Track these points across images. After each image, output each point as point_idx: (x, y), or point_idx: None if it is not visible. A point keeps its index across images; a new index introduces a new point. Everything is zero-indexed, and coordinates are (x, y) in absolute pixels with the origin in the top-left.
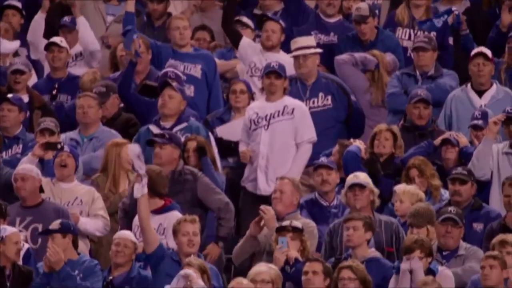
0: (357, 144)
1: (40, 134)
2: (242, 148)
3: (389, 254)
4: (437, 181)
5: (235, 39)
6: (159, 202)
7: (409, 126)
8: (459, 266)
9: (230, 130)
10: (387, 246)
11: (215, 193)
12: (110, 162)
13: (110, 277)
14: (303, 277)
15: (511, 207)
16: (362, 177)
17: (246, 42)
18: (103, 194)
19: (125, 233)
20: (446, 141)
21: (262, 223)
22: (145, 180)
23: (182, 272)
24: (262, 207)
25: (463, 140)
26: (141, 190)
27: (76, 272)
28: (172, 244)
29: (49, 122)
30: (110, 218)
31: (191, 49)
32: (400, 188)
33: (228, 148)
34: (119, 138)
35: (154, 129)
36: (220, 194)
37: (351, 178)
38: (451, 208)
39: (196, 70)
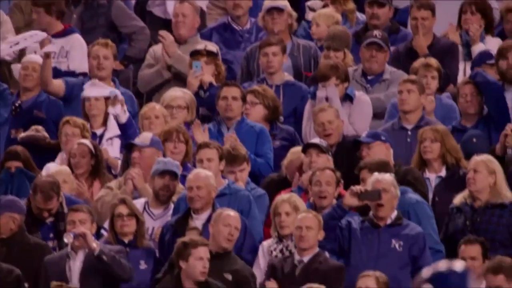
0: None
1: None
2: None
3: (307, 78)
4: (351, 4)
5: None
6: (59, 26)
7: None
8: (383, 91)
9: None
10: (305, 71)
11: (130, 18)
12: None
13: (19, 102)
14: (220, 102)
15: (418, 30)
16: (280, 0)
17: None
18: None
19: (33, 57)
20: None
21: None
22: None
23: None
24: (161, 32)
25: None
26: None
27: None
28: (73, 66)
29: None
30: None
31: None
32: (316, 12)
33: None
34: None
35: None
36: (136, 20)
37: (269, 2)
38: (376, 32)
39: None
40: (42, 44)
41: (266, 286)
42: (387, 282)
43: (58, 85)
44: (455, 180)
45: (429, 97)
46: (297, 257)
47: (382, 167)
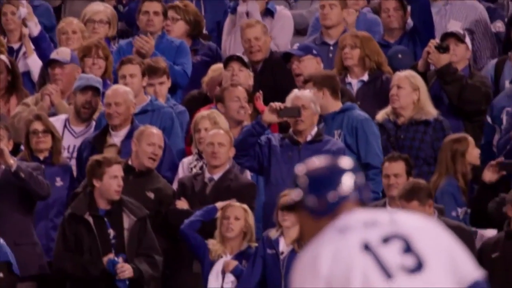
0: None
1: None
2: None
3: None
4: None
5: None
6: None
7: None
8: (307, 7)
9: None
10: None
11: None
12: None
13: None
14: (141, 16)
15: None
16: None
17: None
18: None
19: None
20: None
21: None
22: None
23: None
24: None
25: None
26: None
27: None
28: None
29: None
30: None
31: None
32: None
33: None
34: None
35: None
36: None
37: None
38: None
39: None
40: None
41: (177, 205)
42: None
43: None
44: (378, 85)
45: (350, 9)
46: (207, 174)
47: (327, 80)
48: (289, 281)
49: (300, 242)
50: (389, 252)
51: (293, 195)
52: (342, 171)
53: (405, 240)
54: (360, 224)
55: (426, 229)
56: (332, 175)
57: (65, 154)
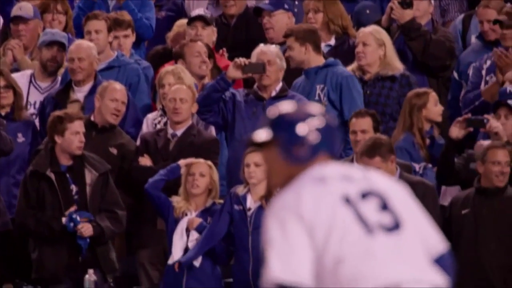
0: None
1: None
2: None
3: None
4: None
5: None
6: None
7: None
8: None
9: None
10: None
11: None
12: None
13: None
14: None
15: None
16: None
17: None
18: None
19: None
20: None
21: None
22: None
23: None
24: None
25: None
26: None
27: None
28: None
29: None
30: None
31: None
32: None
33: None
34: None
35: None
36: None
37: None
38: None
39: None
40: None
41: (139, 161)
42: None
43: None
44: (345, 49)
45: None
46: (170, 130)
47: (309, 34)
48: (267, 221)
49: (268, 197)
50: (367, 208)
51: (265, 133)
52: (317, 115)
53: (381, 198)
54: (337, 176)
55: (397, 191)
56: (306, 117)
57: (31, 110)
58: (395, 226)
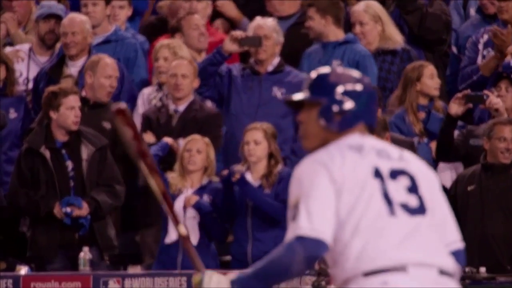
0: None
1: None
2: None
3: None
4: None
5: None
6: None
7: None
8: None
9: None
10: None
11: None
12: None
13: None
14: None
15: None
16: None
17: None
18: None
19: None
20: None
21: None
22: None
23: None
24: None
25: None
26: None
27: None
28: None
29: None
30: None
31: None
32: None
33: None
34: None
35: None
36: None
37: None
38: None
39: None
40: None
41: (144, 138)
42: (274, 133)
43: None
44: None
45: None
46: (172, 106)
47: (331, 6)
48: (297, 171)
49: (268, 176)
50: (396, 187)
51: (305, 94)
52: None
53: (412, 180)
54: (374, 150)
55: (429, 179)
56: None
57: (30, 84)
58: (418, 210)
